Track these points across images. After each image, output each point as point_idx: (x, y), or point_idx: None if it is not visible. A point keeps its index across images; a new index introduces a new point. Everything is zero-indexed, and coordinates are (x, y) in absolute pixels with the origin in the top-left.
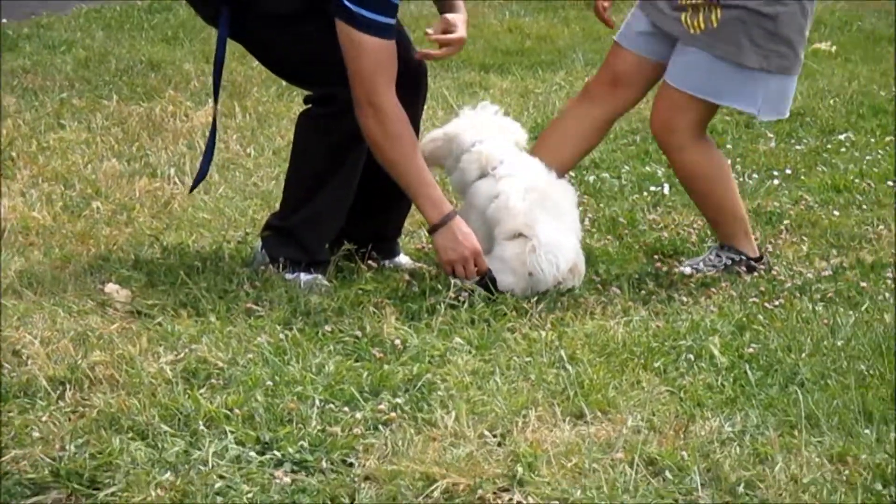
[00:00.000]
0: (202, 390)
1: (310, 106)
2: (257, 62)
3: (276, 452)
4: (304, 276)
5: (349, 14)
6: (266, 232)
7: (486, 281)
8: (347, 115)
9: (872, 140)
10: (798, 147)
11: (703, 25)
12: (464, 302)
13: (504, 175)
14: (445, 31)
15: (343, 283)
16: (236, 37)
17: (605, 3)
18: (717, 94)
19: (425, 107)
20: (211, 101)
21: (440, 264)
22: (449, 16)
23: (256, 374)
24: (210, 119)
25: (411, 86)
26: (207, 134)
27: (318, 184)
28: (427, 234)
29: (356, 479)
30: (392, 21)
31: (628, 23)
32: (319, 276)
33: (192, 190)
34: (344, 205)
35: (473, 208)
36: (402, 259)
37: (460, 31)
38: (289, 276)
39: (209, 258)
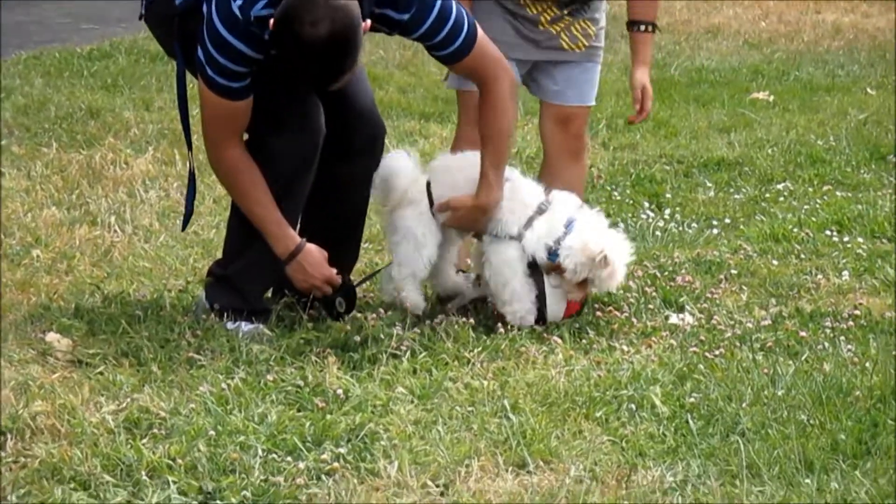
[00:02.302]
0: (144, 440)
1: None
2: (197, 109)
3: (219, 502)
4: (245, 326)
5: (199, 66)
6: (208, 279)
7: (346, 292)
8: (279, 162)
9: (810, 189)
10: (737, 196)
11: (586, 42)
12: (406, 351)
13: None
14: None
15: (285, 333)
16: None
17: None
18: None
19: None
20: (151, 149)
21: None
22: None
23: (199, 424)
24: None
25: (367, 146)
26: (186, 179)
27: (256, 232)
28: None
29: None
30: (233, 85)
31: None
32: (261, 326)
33: (183, 228)
34: None
35: None
36: None
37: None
38: (230, 325)
39: (150, 307)
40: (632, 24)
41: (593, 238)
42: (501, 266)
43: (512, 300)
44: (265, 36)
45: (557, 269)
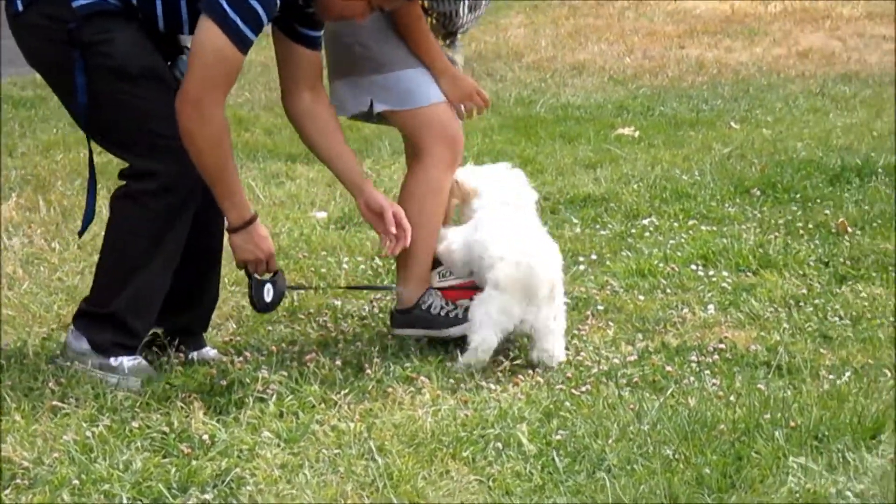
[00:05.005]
0: (7, 491)
1: (125, 183)
2: (61, 155)
3: None
4: (128, 361)
5: (222, 16)
6: (82, 320)
7: (274, 280)
8: (168, 193)
9: (676, 224)
10: (603, 232)
11: None
12: (272, 395)
13: None
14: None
15: (150, 378)
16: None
17: None
18: None
19: None
20: (14, 195)
21: (235, 261)
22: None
23: (62, 473)
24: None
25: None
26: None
27: (141, 264)
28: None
29: None
30: (252, 37)
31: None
32: (143, 360)
33: (80, 234)
34: (165, 285)
35: None
36: (209, 351)
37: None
38: (113, 361)
39: (13, 355)
40: None
41: None
42: None
43: None
44: None
45: None
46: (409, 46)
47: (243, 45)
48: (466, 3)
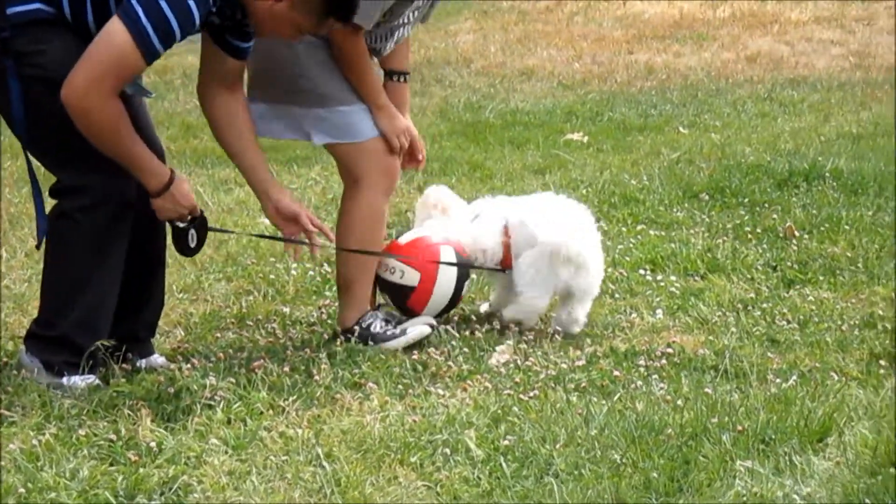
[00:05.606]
0: None
1: (58, 202)
2: (8, 162)
3: None
4: (80, 381)
5: (134, 20)
6: (32, 341)
7: (196, 225)
8: (100, 207)
9: (624, 229)
10: None
11: None
12: (220, 402)
13: None
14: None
15: (97, 386)
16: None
17: None
18: None
19: None
20: None
21: (158, 218)
22: None
23: (9, 482)
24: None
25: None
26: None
27: (85, 282)
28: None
29: None
30: (161, 49)
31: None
32: (95, 378)
33: (38, 246)
34: (113, 299)
35: None
36: (157, 359)
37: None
38: (65, 380)
39: None
40: (388, 75)
41: None
42: None
43: None
44: (213, 7)
45: None
46: (350, 80)
47: (149, 54)
48: (395, 38)
